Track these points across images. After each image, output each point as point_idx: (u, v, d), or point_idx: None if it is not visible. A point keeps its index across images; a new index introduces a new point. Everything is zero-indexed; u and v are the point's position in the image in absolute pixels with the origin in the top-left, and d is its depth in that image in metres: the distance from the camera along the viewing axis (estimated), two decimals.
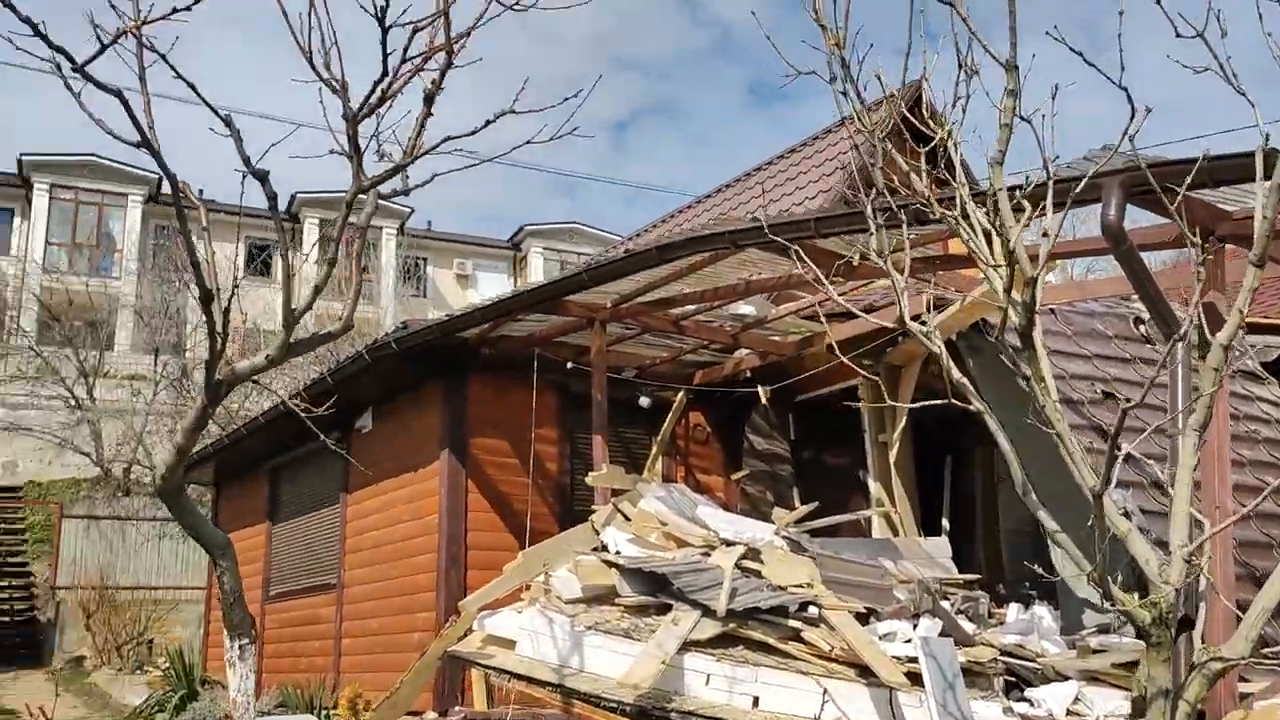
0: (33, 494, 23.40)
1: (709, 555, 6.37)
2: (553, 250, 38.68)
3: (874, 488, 8.81)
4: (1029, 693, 6.13)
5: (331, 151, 4.16)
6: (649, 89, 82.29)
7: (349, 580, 10.56)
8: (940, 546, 8.15)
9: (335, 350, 16.34)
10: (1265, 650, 5.69)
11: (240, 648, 4.03)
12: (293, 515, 12.30)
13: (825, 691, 4.99)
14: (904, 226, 3.27)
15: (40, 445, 23.31)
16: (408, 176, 4.33)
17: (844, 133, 13.27)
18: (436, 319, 8.72)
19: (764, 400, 9.25)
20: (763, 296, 8.89)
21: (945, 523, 8.67)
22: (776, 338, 9.02)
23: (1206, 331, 2.86)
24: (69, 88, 3.21)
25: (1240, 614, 2.92)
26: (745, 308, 8.55)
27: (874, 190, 3.53)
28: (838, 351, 3.89)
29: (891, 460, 8.56)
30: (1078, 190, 3.42)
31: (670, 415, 9.70)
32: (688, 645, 5.38)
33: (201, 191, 4.80)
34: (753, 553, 6.34)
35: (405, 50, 3.94)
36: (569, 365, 8.78)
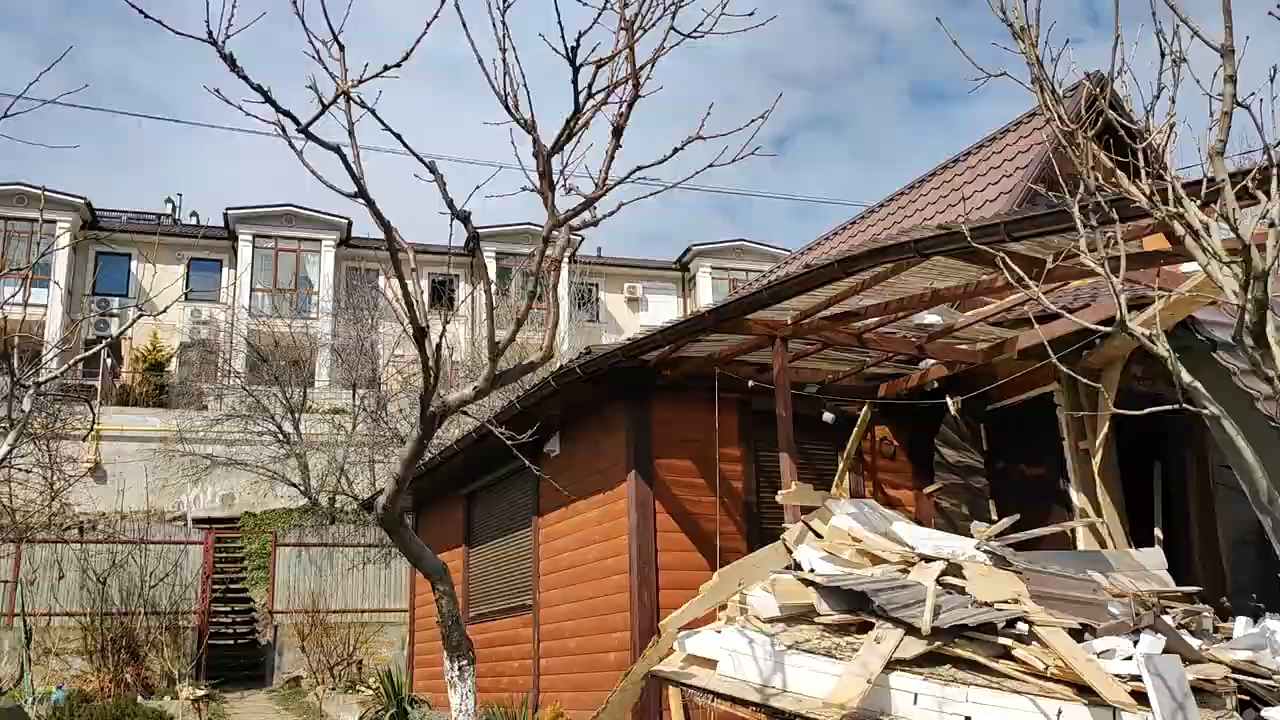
0: (248, 524, 25.11)
1: (907, 572, 6.24)
2: (720, 269, 38.81)
3: (1077, 498, 8.42)
4: (1265, 712, 5.71)
5: (524, 189, 4.33)
6: (808, 102, 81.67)
7: (544, 601, 10.84)
8: (1154, 558, 7.71)
9: (522, 382, 16.82)
10: None
11: (460, 668, 4.21)
12: (487, 539, 12.74)
13: (1058, 712, 4.79)
14: (1116, 223, 3.14)
15: (254, 478, 25.00)
16: (595, 209, 4.46)
17: (1020, 133, 12.80)
18: (619, 343, 8.89)
19: (953, 411, 9.00)
20: (948, 305, 8.68)
21: (1158, 533, 8.20)
22: (964, 346, 8.77)
23: None
24: (292, 146, 3.48)
25: None
26: (930, 317, 8.36)
27: (1079, 187, 3.41)
28: (1049, 350, 3.71)
29: (1095, 468, 8.16)
30: None
31: (856, 430, 9.56)
32: (892, 664, 5.27)
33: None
34: (954, 568, 6.17)
35: (590, 86, 4.06)
36: (750, 383, 8.78)
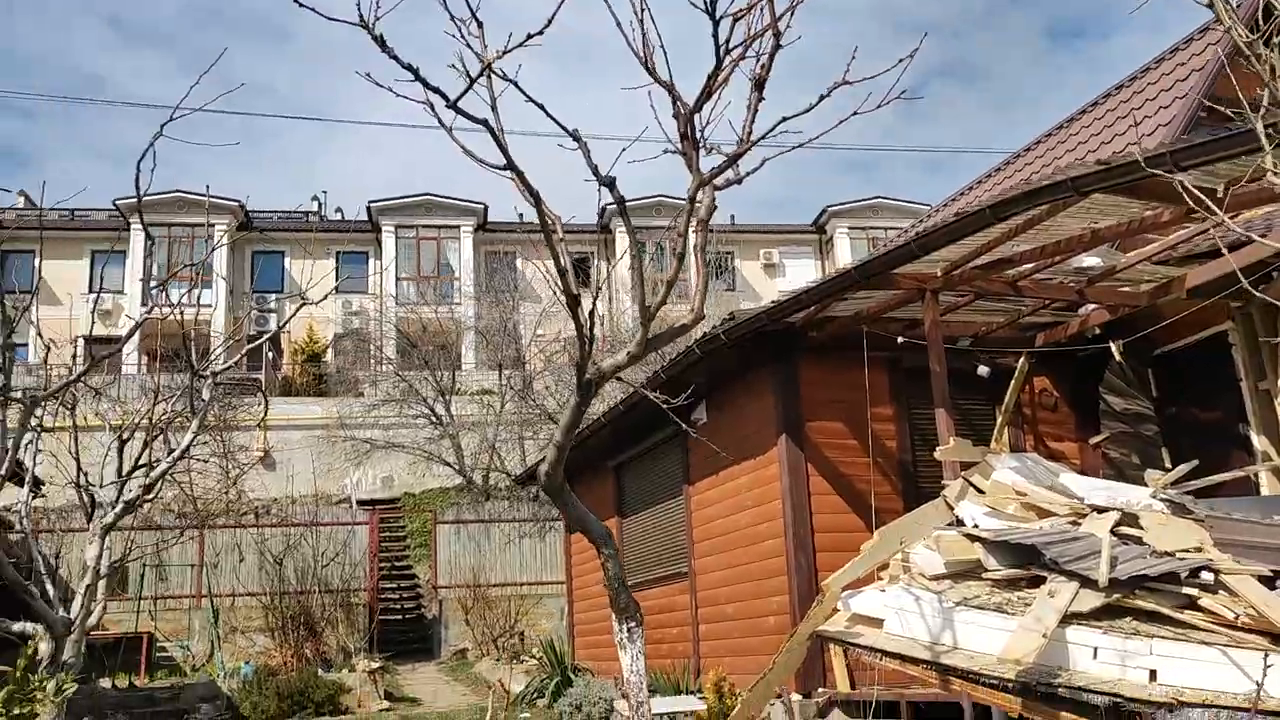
0: (408, 504, 26.09)
1: (1078, 524, 6.01)
2: (858, 229, 38.07)
3: (1258, 441, 7.95)
4: None
5: (666, 151, 4.32)
6: (938, 50, 79.00)
7: (699, 568, 10.91)
8: None
9: (665, 352, 16.95)
10: None
11: (629, 630, 4.27)
12: (639, 509, 12.88)
13: (1266, 662, 4.54)
14: None
15: (412, 460, 25.92)
16: (738, 167, 4.41)
17: (1176, 61, 12.06)
18: (763, 306, 8.82)
19: (1118, 357, 8.61)
20: (1108, 246, 8.27)
21: None
22: (1127, 288, 8.36)
23: None
24: (441, 124, 3.55)
25: None
26: (1089, 260, 7.99)
27: (1255, 110, 3.17)
28: (1228, 284, 3.41)
29: (1278, 409, 7.69)
30: None
31: (1013, 382, 9.24)
32: (1068, 618, 5.09)
33: (522, 216, 5.13)
34: (1129, 518, 5.92)
35: (729, 40, 4.01)
36: (899, 340, 8.59)
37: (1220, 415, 8.60)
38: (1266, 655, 4.42)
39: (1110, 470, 8.76)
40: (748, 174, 4.45)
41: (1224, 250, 3.53)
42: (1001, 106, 76.93)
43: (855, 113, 4.30)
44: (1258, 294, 3.22)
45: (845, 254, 36.78)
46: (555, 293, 3.80)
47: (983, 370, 9.16)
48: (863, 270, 7.35)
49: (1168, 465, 8.27)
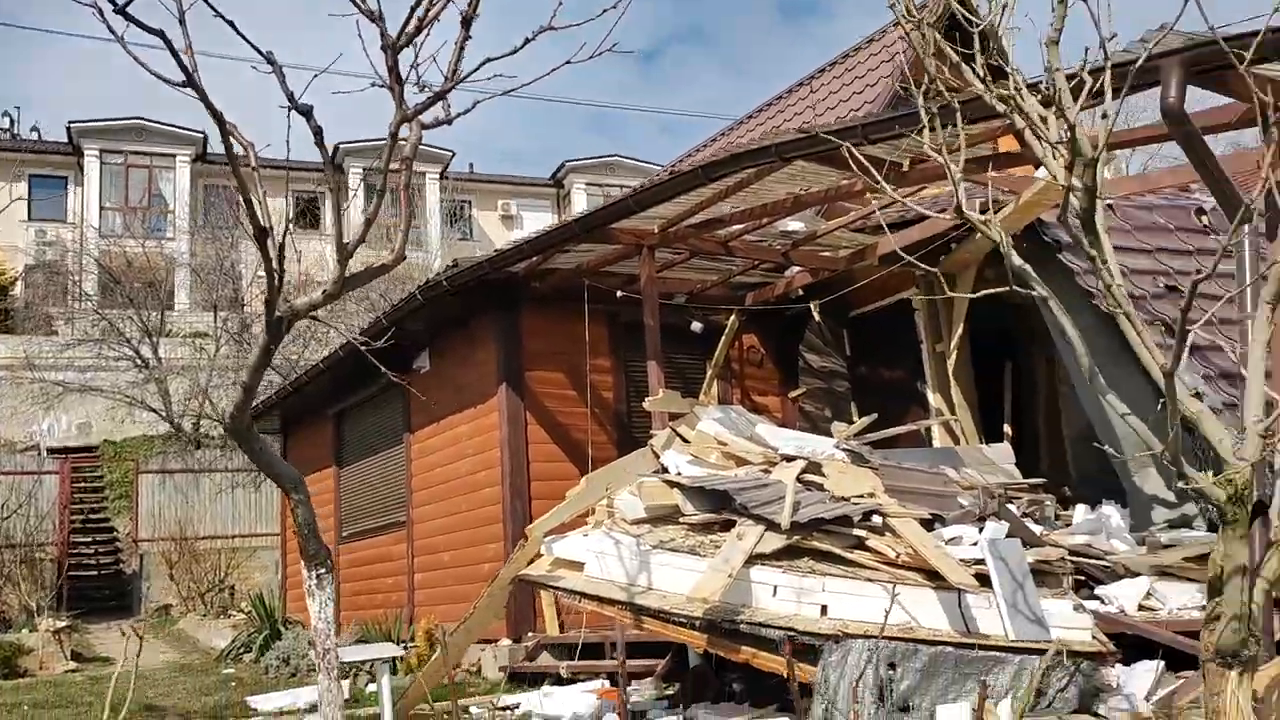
0: (108, 453, 24.14)
1: (770, 472, 6.40)
2: (595, 185, 38.49)
3: (933, 398, 8.76)
4: (1100, 590, 6.12)
5: (373, 84, 4.15)
6: (676, 12, 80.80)
7: (418, 517, 10.80)
8: (1003, 453, 8.10)
9: (388, 297, 16.52)
10: None
11: (318, 577, 4.15)
12: (359, 458, 12.56)
13: (895, 591, 5.01)
14: (958, 120, 3.19)
15: (111, 405, 23.95)
16: (449, 105, 4.31)
17: (883, 43, 12.95)
18: (486, 255, 8.76)
19: (816, 317, 9.20)
20: (811, 212, 8.79)
21: (1007, 429, 8.60)
22: (827, 253, 8.93)
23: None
24: (111, 31, 3.24)
25: None
26: (794, 224, 8.46)
27: (925, 85, 3.44)
28: (903, 254, 3.69)
29: (950, 370, 8.49)
30: (1135, 70, 3.31)
31: (724, 338, 9.70)
32: (753, 559, 5.42)
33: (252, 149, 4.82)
34: (814, 466, 6.35)
35: None
36: (618, 294, 8.79)
37: (903, 374, 9.41)
38: (894, 586, 4.88)
39: (805, 423, 9.39)
40: (459, 115, 4.35)
41: (885, 229, 3.73)
42: (737, 74, 79.82)
43: (568, 62, 4.30)
44: (924, 268, 3.49)
45: (581, 208, 37.15)
46: (244, 225, 3.59)
47: (696, 326, 9.55)
48: (583, 223, 7.44)
49: (856, 419, 8.95)
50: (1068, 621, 5.18)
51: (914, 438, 8.60)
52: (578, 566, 5.83)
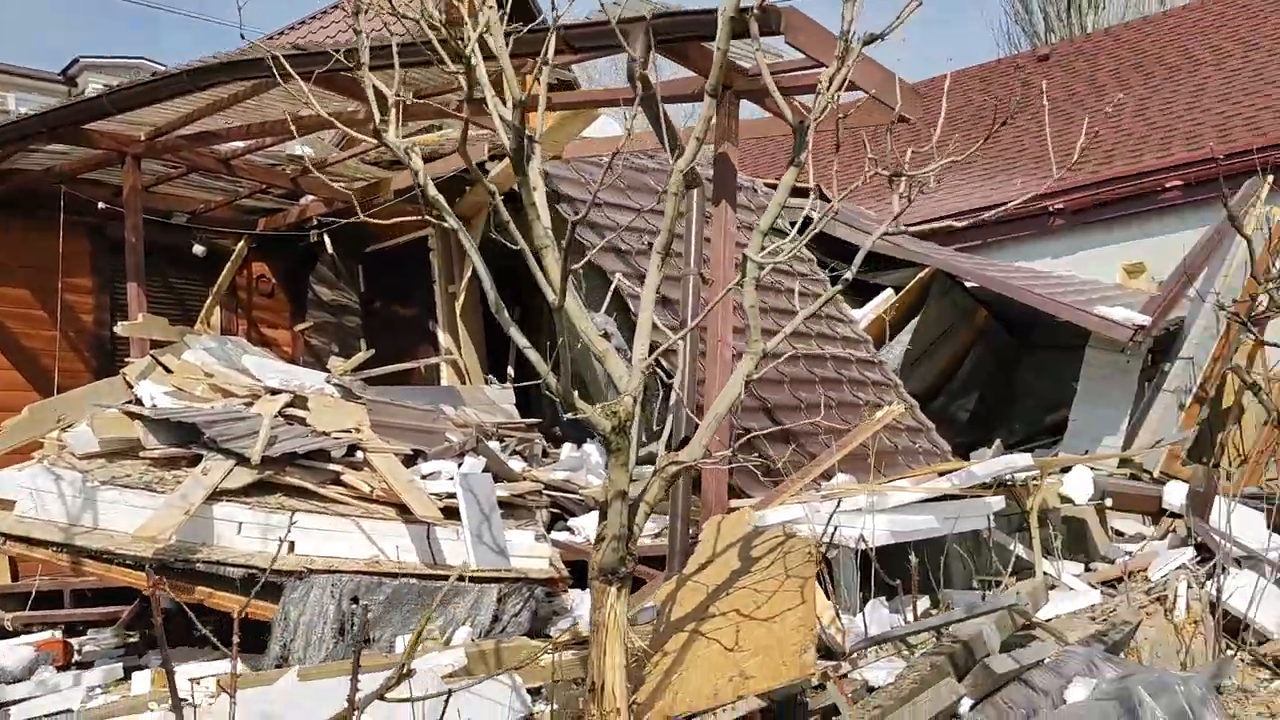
0: None
1: (251, 405, 6.08)
2: None
3: (443, 338, 8.84)
4: (571, 522, 6.55)
5: None
6: None
7: None
8: (504, 394, 8.37)
9: None
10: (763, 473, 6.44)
11: None
12: None
13: (362, 530, 4.98)
14: (396, 62, 3.17)
15: None
16: None
17: None
18: None
19: (329, 249, 8.91)
20: (331, 140, 8.44)
21: (510, 371, 8.91)
22: (341, 184, 8.63)
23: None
24: None
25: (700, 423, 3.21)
26: (302, 149, 8.07)
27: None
28: (429, 193, 3.52)
29: (458, 311, 8.61)
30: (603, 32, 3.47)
31: (229, 265, 9.10)
32: (219, 495, 5.13)
33: None
34: (300, 401, 6.14)
35: None
36: (100, 206, 7.88)
37: (417, 312, 9.40)
38: (364, 520, 4.88)
39: (311, 358, 9.09)
40: None
41: (411, 163, 3.55)
42: None
43: None
44: (435, 206, 3.40)
45: None
46: None
47: (198, 249, 8.86)
48: (44, 119, 6.53)
49: None
50: (529, 551, 5.47)
51: (425, 376, 8.64)
52: (9, 505, 5.15)
